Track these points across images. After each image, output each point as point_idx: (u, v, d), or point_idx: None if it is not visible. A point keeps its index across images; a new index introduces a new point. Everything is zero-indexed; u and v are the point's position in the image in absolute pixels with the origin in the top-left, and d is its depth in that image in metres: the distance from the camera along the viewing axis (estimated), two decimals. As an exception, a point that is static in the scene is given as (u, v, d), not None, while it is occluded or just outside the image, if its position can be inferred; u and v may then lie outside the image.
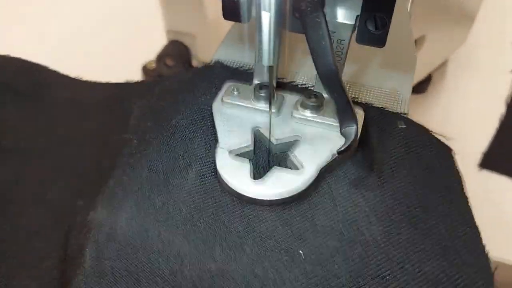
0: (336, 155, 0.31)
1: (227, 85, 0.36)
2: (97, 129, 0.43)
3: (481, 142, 0.74)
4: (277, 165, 0.32)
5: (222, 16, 0.33)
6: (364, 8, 0.30)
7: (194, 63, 0.77)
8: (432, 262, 0.29)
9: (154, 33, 0.78)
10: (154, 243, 0.29)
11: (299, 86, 0.38)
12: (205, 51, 0.75)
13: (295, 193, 0.30)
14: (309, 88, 0.38)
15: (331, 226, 0.30)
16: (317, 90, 0.34)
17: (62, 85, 0.47)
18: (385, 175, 0.32)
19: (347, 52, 0.33)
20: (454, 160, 0.35)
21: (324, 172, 0.32)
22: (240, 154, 0.32)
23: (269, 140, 0.33)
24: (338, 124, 0.33)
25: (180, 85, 0.39)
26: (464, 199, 0.33)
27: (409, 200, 0.31)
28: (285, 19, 0.28)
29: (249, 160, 0.32)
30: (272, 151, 0.33)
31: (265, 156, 0.34)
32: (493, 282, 0.29)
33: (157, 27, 0.76)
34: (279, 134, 0.33)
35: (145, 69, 0.77)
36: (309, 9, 0.28)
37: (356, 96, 0.38)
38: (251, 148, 0.33)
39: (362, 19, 0.31)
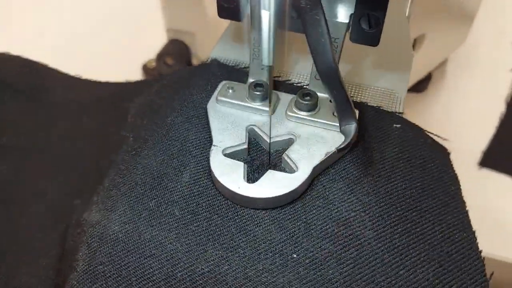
0: (330, 154, 0.32)
1: (222, 84, 0.36)
2: (97, 128, 0.43)
3: (481, 141, 0.74)
4: (271, 164, 0.32)
5: (221, 15, 0.33)
6: (358, 6, 0.30)
7: (194, 61, 0.77)
8: (426, 267, 0.29)
9: (154, 32, 0.78)
10: (147, 247, 0.29)
11: (294, 85, 0.38)
12: (205, 50, 0.75)
13: (289, 195, 0.30)
14: (304, 87, 0.38)
15: (325, 229, 0.30)
16: (312, 89, 0.34)
17: (62, 84, 0.47)
18: (380, 177, 0.32)
19: (341, 51, 0.33)
20: (450, 162, 0.35)
21: (319, 173, 0.32)
22: (234, 153, 0.32)
23: (269, 139, 0.33)
24: (332, 124, 0.33)
25: (177, 83, 0.39)
26: (460, 202, 0.33)
27: (404, 204, 0.31)
28: (284, 18, 0.28)
29: (243, 161, 0.32)
30: (267, 150, 0.33)
31: (259, 155, 0.33)
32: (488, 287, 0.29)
33: (157, 26, 0.76)
34: (273, 133, 0.33)
35: (145, 68, 0.77)
36: (308, 6, 0.28)
37: (352, 95, 0.38)
38: (245, 146, 0.33)
39: (356, 17, 0.31)
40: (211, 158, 0.32)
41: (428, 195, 0.32)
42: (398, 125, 0.35)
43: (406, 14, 0.38)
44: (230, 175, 0.31)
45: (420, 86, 0.78)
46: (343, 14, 0.32)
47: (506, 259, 0.51)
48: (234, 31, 0.42)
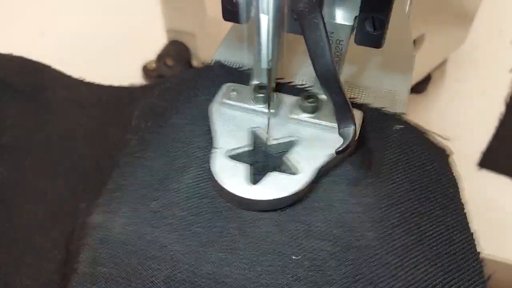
0: (332, 156, 0.32)
1: (225, 86, 0.36)
2: (97, 128, 0.43)
3: (480, 142, 0.74)
4: (273, 166, 0.32)
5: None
6: (362, 9, 0.30)
7: (195, 62, 0.77)
8: (426, 268, 0.29)
9: (154, 33, 0.78)
10: (149, 249, 0.29)
11: (298, 86, 0.38)
12: (206, 51, 0.75)
13: (291, 197, 0.30)
14: (307, 89, 0.38)
15: (326, 231, 0.30)
16: (316, 91, 0.34)
17: (63, 85, 0.47)
18: (381, 178, 0.32)
19: (345, 53, 0.33)
20: (450, 163, 0.35)
21: (320, 175, 0.32)
22: (237, 155, 0.32)
23: (266, 141, 0.33)
24: (335, 126, 0.33)
25: (180, 85, 0.39)
26: (460, 203, 0.33)
27: (404, 205, 0.31)
28: (283, 21, 0.28)
29: (245, 163, 0.32)
30: (269, 152, 0.33)
31: (262, 157, 0.33)
32: None
33: (157, 27, 0.76)
34: (276, 135, 0.33)
35: (145, 69, 0.77)
36: (307, 10, 0.28)
37: (354, 97, 0.38)
38: (249, 149, 0.33)
39: (360, 20, 0.31)
40: (212, 160, 0.32)
41: (427, 198, 0.32)
42: (400, 127, 0.35)
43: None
44: (232, 177, 0.31)
45: (420, 87, 0.78)
46: (347, 16, 0.32)
47: (506, 260, 0.51)
48: (237, 33, 0.42)
